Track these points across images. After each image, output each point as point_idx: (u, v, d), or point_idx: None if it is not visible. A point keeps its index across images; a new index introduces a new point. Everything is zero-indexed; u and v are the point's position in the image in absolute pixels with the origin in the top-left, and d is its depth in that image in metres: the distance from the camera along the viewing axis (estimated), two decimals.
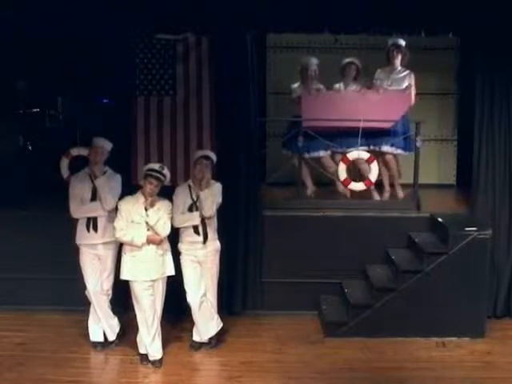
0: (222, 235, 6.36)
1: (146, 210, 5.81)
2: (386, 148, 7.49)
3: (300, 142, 7.24)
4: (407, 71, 7.45)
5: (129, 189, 6.13)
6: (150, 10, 6.55)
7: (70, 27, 6.75)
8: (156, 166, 5.89)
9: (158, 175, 5.77)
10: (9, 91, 8.94)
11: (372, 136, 7.41)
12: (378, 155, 7.46)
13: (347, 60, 7.65)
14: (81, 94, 9.04)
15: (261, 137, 7.74)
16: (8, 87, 8.89)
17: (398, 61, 7.44)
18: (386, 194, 7.70)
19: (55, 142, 8.51)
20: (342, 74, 7.67)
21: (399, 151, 7.54)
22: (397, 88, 7.39)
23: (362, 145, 7.29)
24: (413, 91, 7.39)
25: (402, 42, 7.41)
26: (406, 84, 7.38)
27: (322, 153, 7.59)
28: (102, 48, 7.35)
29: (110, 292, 6.28)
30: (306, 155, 7.48)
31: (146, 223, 5.79)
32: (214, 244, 6.19)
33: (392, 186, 7.71)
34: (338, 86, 7.66)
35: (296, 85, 7.65)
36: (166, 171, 5.86)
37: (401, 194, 7.67)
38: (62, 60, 8.40)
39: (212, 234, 6.14)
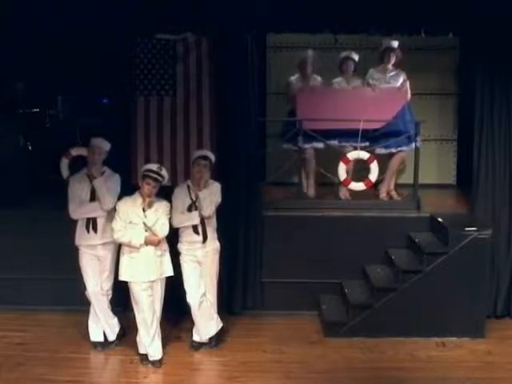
0: (222, 235, 6.36)
1: (143, 210, 5.80)
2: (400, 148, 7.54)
3: (300, 142, 7.25)
4: (398, 69, 7.63)
5: (129, 189, 6.12)
6: (150, 9, 6.54)
7: (69, 27, 6.75)
8: (154, 166, 5.85)
9: (156, 176, 5.74)
10: (9, 91, 8.93)
11: (381, 137, 7.46)
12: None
13: (344, 54, 7.69)
14: (81, 94, 9.03)
15: (261, 137, 7.72)
16: (8, 87, 8.88)
17: (392, 62, 7.58)
18: (383, 195, 7.70)
19: (55, 141, 8.50)
20: (341, 70, 7.70)
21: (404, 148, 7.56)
22: (393, 85, 7.53)
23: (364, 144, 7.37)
24: (408, 87, 7.51)
25: (396, 44, 7.52)
26: (400, 81, 7.54)
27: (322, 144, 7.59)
28: (102, 48, 7.34)
29: (110, 292, 6.28)
30: (307, 146, 7.44)
31: (144, 224, 5.78)
32: (214, 244, 6.20)
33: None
34: (339, 80, 7.67)
35: (294, 77, 7.66)
36: (163, 172, 5.83)
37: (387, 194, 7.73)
38: (61, 59, 8.39)
39: (211, 233, 6.14)
